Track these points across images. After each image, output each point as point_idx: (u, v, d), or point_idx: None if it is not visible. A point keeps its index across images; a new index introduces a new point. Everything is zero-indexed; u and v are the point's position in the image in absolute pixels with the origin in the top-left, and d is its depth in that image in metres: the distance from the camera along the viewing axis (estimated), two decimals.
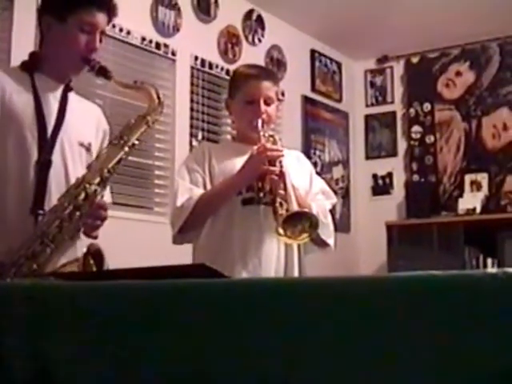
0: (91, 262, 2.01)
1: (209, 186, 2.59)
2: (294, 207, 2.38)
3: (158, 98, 2.29)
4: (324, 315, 1.10)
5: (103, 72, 2.27)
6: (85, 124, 2.40)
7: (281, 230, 2.34)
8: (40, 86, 2.26)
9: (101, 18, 2.26)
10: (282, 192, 2.43)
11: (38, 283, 1.61)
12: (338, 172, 6.54)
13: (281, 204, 2.41)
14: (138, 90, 2.39)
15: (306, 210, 2.41)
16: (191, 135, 5.04)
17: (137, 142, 2.25)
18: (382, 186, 6.66)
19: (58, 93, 2.30)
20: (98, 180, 2.15)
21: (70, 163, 2.28)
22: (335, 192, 6.00)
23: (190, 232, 2.57)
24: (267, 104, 2.63)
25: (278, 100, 2.72)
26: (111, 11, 2.30)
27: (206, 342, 1.19)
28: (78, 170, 2.29)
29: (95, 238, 2.24)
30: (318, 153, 6.28)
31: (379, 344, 1.01)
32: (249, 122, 2.63)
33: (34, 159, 2.18)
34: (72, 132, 2.29)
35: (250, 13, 5.71)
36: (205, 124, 5.19)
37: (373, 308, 1.05)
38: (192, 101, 5.13)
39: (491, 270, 0.92)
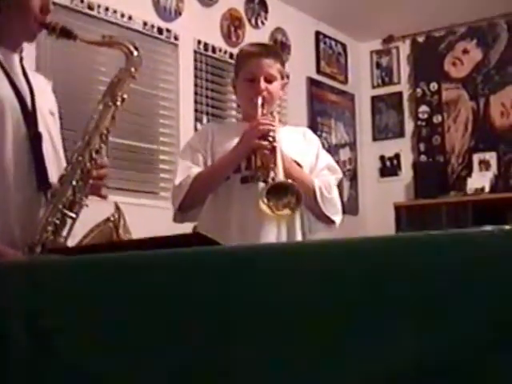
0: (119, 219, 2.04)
1: (210, 164, 2.58)
2: (279, 179, 2.35)
3: (135, 48, 2.20)
4: (330, 276, 1.08)
5: (66, 32, 2.15)
6: (46, 93, 2.32)
7: (264, 200, 2.31)
8: (3, 60, 2.15)
9: None
10: (272, 166, 2.41)
11: (34, 261, 1.59)
12: (345, 154, 6.50)
13: (272, 179, 2.38)
14: (110, 45, 2.31)
15: (291, 182, 2.36)
16: (196, 119, 5.02)
17: (126, 96, 2.18)
18: (389, 168, 6.63)
19: (18, 63, 2.21)
20: (98, 140, 2.12)
21: (52, 131, 2.22)
22: (343, 174, 5.98)
23: (189, 210, 2.57)
24: (268, 81, 2.61)
25: (282, 78, 2.69)
26: None
27: (206, 310, 1.17)
28: (58, 138, 2.26)
29: (105, 197, 2.22)
30: (324, 135, 6.24)
31: (382, 305, 1.00)
32: (249, 99, 2.62)
33: (23, 133, 2.11)
34: (41, 101, 2.21)
35: None
36: (209, 108, 5.17)
37: (374, 267, 1.03)
38: (196, 85, 5.11)
39: (488, 227, 0.90)
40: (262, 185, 2.48)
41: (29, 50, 3.90)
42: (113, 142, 4.53)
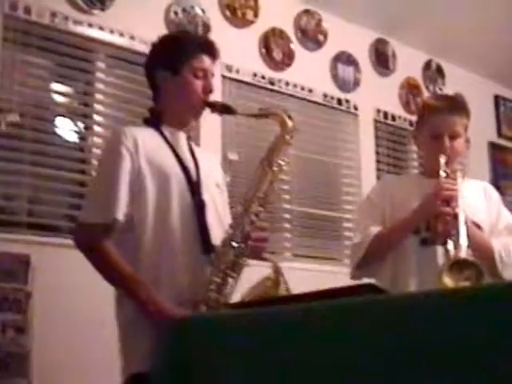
0: (279, 278, 2.11)
1: (389, 219, 2.58)
2: (462, 254, 2.28)
3: (289, 117, 2.34)
4: None
5: (227, 109, 2.38)
6: (213, 167, 2.50)
7: (445, 274, 2.25)
8: (170, 137, 2.36)
9: (209, 62, 2.37)
10: (454, 233, 2.35)
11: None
12: None
13: (455, 248, 2.31)
14: (266, 116, 2.44)
15: (475, 260, 2.27)
16: None
17: (283, 162, 2.30)
18: None
19: (184, 140, 2.41)
20: (257, 204, 2.24)
21: (217, 200, 2.37)
22: None
23: (368, 267, 2.56)
24: (453, 138, 2.58)
25: (466, 130, 2.66)
26: (215, 54, 2.40)
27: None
28: (223, 207, 2.41)
29: (266, 259, 2.30)
30: (510, 199, 6.05)
31: None
32: (433, 156, 2.57)
33: (188, 202, 2.27)
34: (207, 174, 2.38)
35: (428, 63, 5.69)
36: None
37: None
38: (377, 153, 5.15)
39: None
40: (440, 248, 2.44)
41: (215, 126, 4.14)
42: (297, 211, 4.63)
